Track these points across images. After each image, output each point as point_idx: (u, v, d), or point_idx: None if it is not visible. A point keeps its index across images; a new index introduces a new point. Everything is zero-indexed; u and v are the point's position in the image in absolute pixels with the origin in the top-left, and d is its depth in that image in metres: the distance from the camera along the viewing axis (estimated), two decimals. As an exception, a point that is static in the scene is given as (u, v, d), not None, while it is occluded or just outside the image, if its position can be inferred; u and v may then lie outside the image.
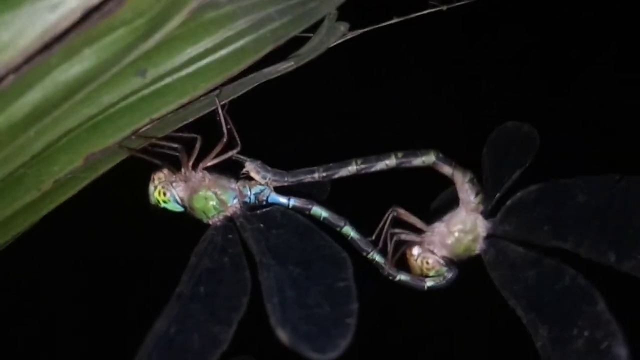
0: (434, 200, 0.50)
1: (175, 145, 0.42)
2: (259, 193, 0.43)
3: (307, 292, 0.34)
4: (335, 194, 0.47)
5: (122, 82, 0.36)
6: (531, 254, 0.40)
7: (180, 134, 0.43)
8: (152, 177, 0.43)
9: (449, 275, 0.45)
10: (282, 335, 0.30)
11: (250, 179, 0.44)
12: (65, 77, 0.30)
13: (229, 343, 0.33)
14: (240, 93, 0.43)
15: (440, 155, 0.44)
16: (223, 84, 0.41)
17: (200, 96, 0.41)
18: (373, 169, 0.44)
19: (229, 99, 0.43)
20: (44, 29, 0.27)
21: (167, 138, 0.43)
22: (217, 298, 0.36)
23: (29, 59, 0.27)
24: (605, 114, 0.82)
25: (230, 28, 0.37)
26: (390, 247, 0.45)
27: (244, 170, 0.43)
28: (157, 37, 0.31)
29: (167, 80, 0.39)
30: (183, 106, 0.41)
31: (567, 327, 0.34)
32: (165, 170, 0.43)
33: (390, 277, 0.45)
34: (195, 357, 0.33)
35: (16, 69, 0.27)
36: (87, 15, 0.28)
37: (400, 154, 0.43)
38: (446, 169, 0.44)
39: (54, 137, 0.36)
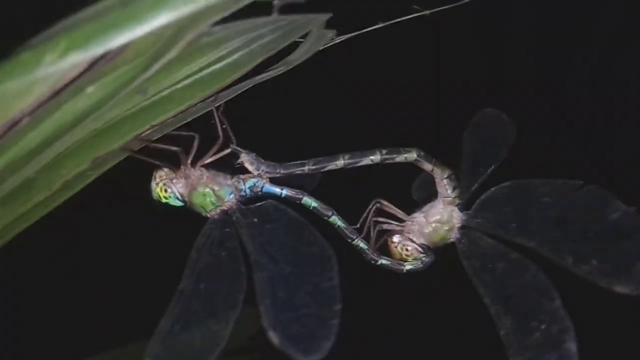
0: (415, 181, 0.53)
1: (175, 148, 0.45)
2: (253, 185, 0.47)
3: (297, 292, 0.39)
4: (325, 187, 0.50)
5: (124, 101, 0.39)
6: (500, 247, 0.45)
7: (179, 132, 0.46)
8: (154, 175, 0.46)
9: (427, 260, 0.49)
10: (274, 337, 0.35)
11: (245, 170, 0.47)
12: (72, 111, 0.33)
13: (226, 341, 0.37)
14: (233, 95, 0.46)
15: (422, 153, 0.47)
16: (218, 92, 0.43)
17: (197, 103, 0.43)
18: (359, 164, 0.47)
19: (223, 101, 0.46)
20: (56, 79, 0.29)
21: (167, 137, 0.46)
22: (216, 295, 0.40)
23: (41, 104, 0.30)
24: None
25: (223, 48, 0.39)
26: (373, 235, 0.49)
27: (239, 161, 0.46)
28: (157, 67, 0.33)
29: (166, 92, 0.41)
30: (180, 113, 0.43)
31: (527, 320, 0.39)
32: (166, 169, 0.46)
33: (373, 262, 0.50)
34: (197, 355, 0.37)
35: (30, 112, 0.30)
36: (93, 63, 0.30)
37: (384, 151, 0.47)
38: (427, 166, 0.47)
39: (62, 149, 0.39)
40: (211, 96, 0.43)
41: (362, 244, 0.49)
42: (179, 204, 0.47)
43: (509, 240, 0.44)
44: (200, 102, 0.43)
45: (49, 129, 0.34)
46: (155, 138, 0.45)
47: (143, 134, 0.43)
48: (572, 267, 0.39)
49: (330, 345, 0.35)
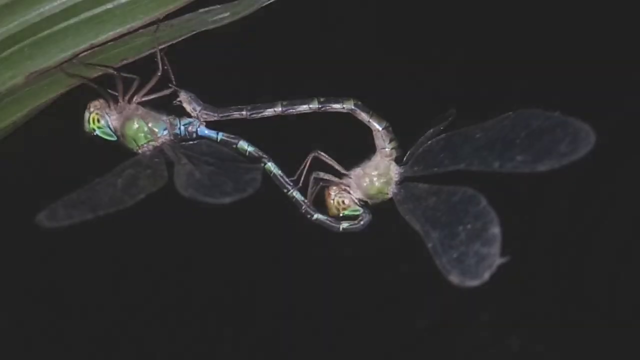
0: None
1: (113, 72, 0.45)
2: (188, 125, 0.47)
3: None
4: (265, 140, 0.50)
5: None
6: (434, 187, 0.44)
7: (120, 73, 0.46)
8: (87, 105, 0.46)
9: (364, 218, 0.48)
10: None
11: (182, 113, 0.47)
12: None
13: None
14: (178, 39, 0.47)
15: (359, 103, 0.48)
16: (161, 20, 0.45)
17: (139, 28, 0.45)
18: (296, 110, 0.47)
19: (168, 44, 0.47)
20: None
21: (108, 76, 0.46)
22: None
23: None
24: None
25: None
26: (310, 187, 0.48)
27: (177, 99, 0.47)
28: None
29: (108, 5, 0.43)
30: (122, 36, 0.45)
31: (454, 227, 0.37)
32: (101, 100, 0.46)
33: (308, 216, 0.48)
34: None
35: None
36: None
37: (322, 99, 0.47)
38: (363, 116, 0.48)
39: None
40: (154, 23, 0.45)
41: (297, 196, 0.48)
42: (111, 137, 0.46)
43: (442, 173, 0.43)
44: (142, 27, 0.45)
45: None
46: (94, 76, 0.46)
47: (82, 54, 0.44)
48: (498, 169, 0.38)
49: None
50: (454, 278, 0.35)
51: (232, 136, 0.47)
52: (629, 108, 0.93)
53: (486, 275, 0.34)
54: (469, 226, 0.36)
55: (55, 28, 0.42)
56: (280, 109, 0.47)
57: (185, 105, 0.47)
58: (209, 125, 0.48)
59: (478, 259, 0.34)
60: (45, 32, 0.42)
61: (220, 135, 0.47)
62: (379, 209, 0.49)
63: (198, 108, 0.47)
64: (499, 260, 0.34)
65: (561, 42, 0.92)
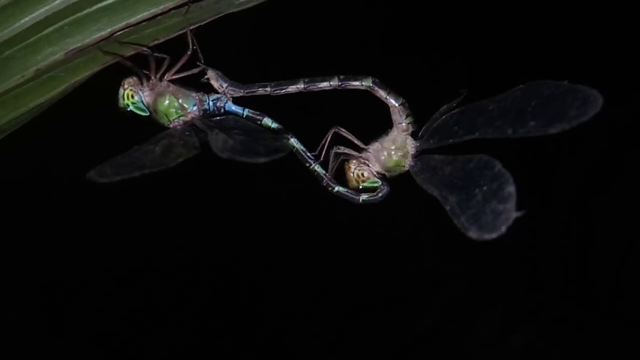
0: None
1: (146, 51, 0.48)
2: (216, 100, 0.49)
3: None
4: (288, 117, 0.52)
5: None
6: (449, 157, 0.46)
7: (152, 53, 0.49)
8: (122, 82, 0.49)
9: (382, 190, 0.51)
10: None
11: (210, 90, 0.50)
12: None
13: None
14: (206, 21, 0.50)
15: (377, 80, 0.50)
16: (192, 1, 0.48)
17: (171, 9, 0.48)
18: (318, 87, 0.50)
19: (197, 25, 0.50)
20: None
21: (140, 55, 0.49)
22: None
23: None
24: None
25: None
26: (331, 160, 0.50)
27: (205, 77, 0.49)
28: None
29: (143, -14, 0.46)
30: (155, 17, 0.47)
31: (470, 190, 0.40)
32: (135, 77, 0.49)
33: (330, 189, 0.51)
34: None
35: None
36: None
37: (342, 76, 0.50)
38: (381, 93, 0.50)
39: (40, 17, 0.43)
40: (185, 4, 0.47)
41: (319, 169, 0.50)
42: (144, 112, 0.49)
43: (457, 145, 0.46)
44: (174, 8, 0.47)
45: None
46: (128, 55, 0.49)
47: (118, 33, 0.47)
48: (512, 135, 0.40)
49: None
50: (473, 233, 0.37)
51: (257, 112, 0.50)
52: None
53: (503, 229, 0.36)
54: (485, 188, 0.38)
55: (94, 7, 0.45)
56: (302, 85, 0.50)
57: (212, 82, 0.50)
58: (235, 101, 0.50)
59: (495, 215, 0.37)
60: (85, 11, 0.45)
61: (246, 112, 0.50)
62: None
63: (225, 85, 0.50)
64: (515, 214, 0.36)
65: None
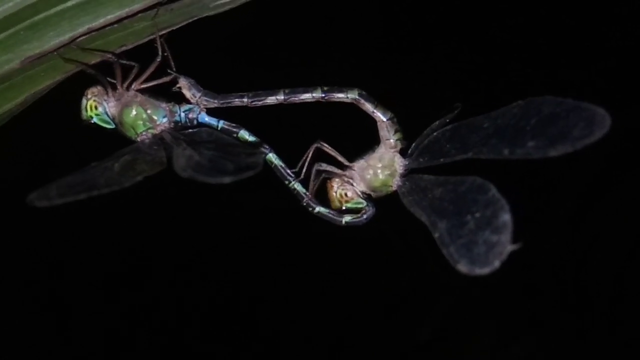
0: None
1: (112, 58, 0.44)
2: (189, 111, 0.45)
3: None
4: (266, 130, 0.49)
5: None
6: (440, 178, 0.42)
7: (119, 60, 0.45)
8: (85, 92, 0.45)
9: (368, 212, 0.47)
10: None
11: (182, 100, 0.46)
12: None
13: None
14: (178, 25, 0.46)
15: (364, 93, 0.46)
16: (161, 4, 0.44)
17: (138, 12, 0.44)
18: (299, 99, 0.46)
19: (168, 30, 0.46)
20: None
21: (106, 63, 0.45)
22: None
23: None
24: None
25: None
26: (312, 178, 0.46)
27: (177, 86, 0.45)
28: None
29: (107, -13, 0.42)
30: (121, 20, 0.43)
31: (462, 216, 0.36)
32: (99, 87, 0.45)
33: (310, 209, 0.47)
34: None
35: None
36: None
37: (325, 88, 0.46)
38: (368, 106, 0.46)
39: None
40: (154, 6, 0.44)
41: (299, 188, 0.46)
42: (109, 124, 0.45)
43: (448, 164, 0.42)
44: (142, 11, 0.44)
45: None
46: (92, 62, 0.45)
47: (80, 39, 0.43)
48: (508, 156, 0.37)
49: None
50: (463, 267, 0.33)
51: (233, 125, 0.46)
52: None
53: (497, 263, 0.32)
54: (477, 214, 0.35)
55: (52, 10, 0.41)
56: (282, 97, 0.46)
57: (184, 91, 0.46)
58: (210, 112, 0.46)
59: (488, 247, 0.33)
60: (42, 15, 0.41)
61: (221, 124, 0.46)
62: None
63: (198, 94, 0.46)
64: (510, 247, 0.32)
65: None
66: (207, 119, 0.46)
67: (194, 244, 0.99)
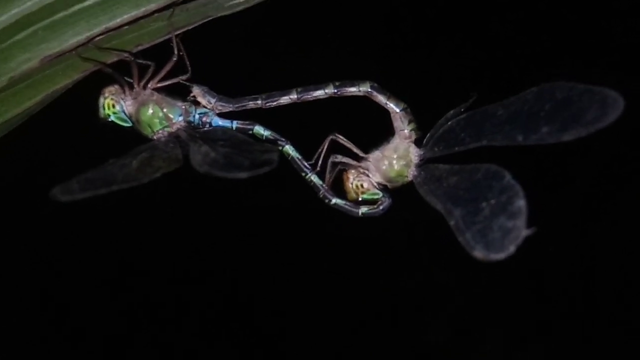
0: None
1: (129, 57, 0.44)
2: (203, 115, 0.46)
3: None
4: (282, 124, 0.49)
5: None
6: (455, 167, 0.43)
7: (135, 59, 0.46)
8: (103, 91, 0.46)
9: (384, 203, 0.47)
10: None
11: (197, 104, 0.47)
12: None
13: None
14: (194, 25, 0.47)
15: (375, 85, 0.47)
16: (177, 3, 0.45)
17: (154, 12, 0.44)
18: (312, 96, 0.46)
19: (184, 30, 0.47)
20: None
21: (123, 62, 0.46)
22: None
23: None
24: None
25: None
26: (328, 170, 0.47)
27: (191, 95, 0.46)
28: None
29: (124, -13, 0.43)
30: (137, 20, 0.44)
31: (477, 203, 0.36)
32: (117, 85, 0.46)
33: (326, 200, 0.47)
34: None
35: None
36: None
37: (337, 83, 0.47)
38: (380, 98, 0.47)
39: (11, 19, 0.40)
40: (169, 6, 0.44)
41: (315, 179, 0.47)
42: (126, 122, 0.46)
43: (462, 154, 0.42)
44: (157, 10, 0.44)
45: None
46: (109, 62, 0.45)
47: (97, 38, 0.44)
48: (522, 142, 0.37)
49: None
50: (479, 252, 0.34)
51: (247, 122, 0.47)
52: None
53: (512, 248, 0.32)
54: (492, 201, 0.35)
55: (70, 10, 0.42)
56: (295, 95, 0.47)
57: (199, 99, 0.46)
58: (223, 115, 0.47)
59: (503, 233, 0.33)
60: (60, 14, 0.42)
61: (235, 124, 0.46)
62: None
63: (213, 100, 0.46)
64: (525, 232, 0.32)
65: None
66: (220, 122, 0.46)
67: (194, 244, 0.99)
